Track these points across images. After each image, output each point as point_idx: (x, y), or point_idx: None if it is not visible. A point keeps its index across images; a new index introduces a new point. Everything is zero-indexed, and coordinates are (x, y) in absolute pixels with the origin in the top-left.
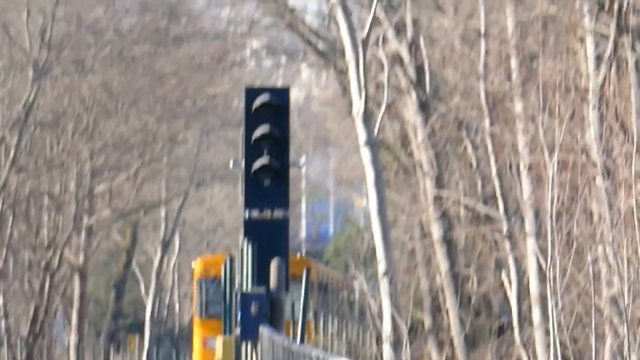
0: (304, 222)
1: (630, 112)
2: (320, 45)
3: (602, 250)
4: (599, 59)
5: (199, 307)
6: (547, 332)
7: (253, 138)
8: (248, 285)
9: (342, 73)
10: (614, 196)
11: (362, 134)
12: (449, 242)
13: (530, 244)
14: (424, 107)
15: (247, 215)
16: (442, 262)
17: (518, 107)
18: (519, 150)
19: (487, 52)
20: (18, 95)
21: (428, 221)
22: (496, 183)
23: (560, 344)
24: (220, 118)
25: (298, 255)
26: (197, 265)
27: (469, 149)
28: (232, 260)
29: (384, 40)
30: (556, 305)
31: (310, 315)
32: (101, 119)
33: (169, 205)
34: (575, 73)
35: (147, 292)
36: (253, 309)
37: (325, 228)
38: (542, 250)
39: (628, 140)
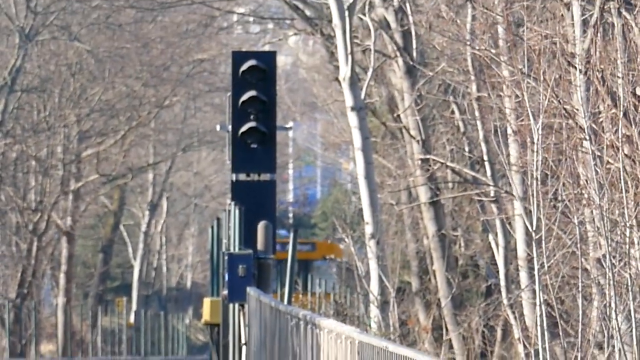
0: (291, 186)
1: (617, 77)
2: (307, 12)
3: (589, 213)
4: (585, 24)
5: None
6: (533, 294)
7: (240, 102)
8: (235, 248)
9: (329, 39)
10: (600, 160)
11: (348, 99)
12: (436, 205)
13: (517, 207)
14: (411, 72)
15: (234, 179)
16: (429, 225)
17: (505, 72)
18: (506, 115)
19: (473, 17)
20: (4, 61)
21: (415, 185)
22: (483, 147)
23: (547, 305)
24: (207, 83)
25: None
26: None
27: (456, 113)
28: (219, 222)
29: (371, 5)
30: (542, 266)
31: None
32: (88, 84)
33: (157, 169)
34: (562, 38)
35: (134, 255)
36: (240, 270)
37: (312, 192)
38: (529, 213)
39: (614, 105)
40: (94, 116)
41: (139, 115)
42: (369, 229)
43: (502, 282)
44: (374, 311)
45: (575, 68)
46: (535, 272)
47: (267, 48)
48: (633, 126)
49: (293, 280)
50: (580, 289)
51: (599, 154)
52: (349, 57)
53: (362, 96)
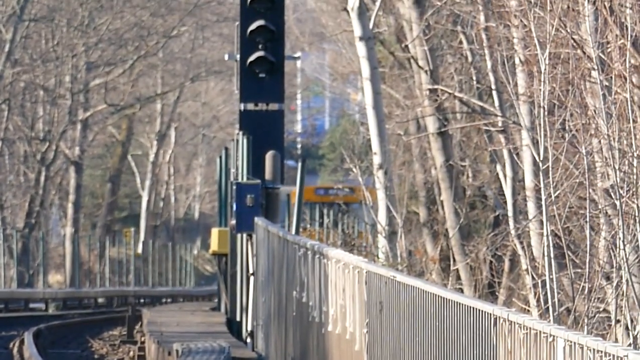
0: (299, 116)
1: (625, 7)
2: None
3: (597, 143)
4: None
5: None
6: (541, 224)
7: (248, 31)
8: (243, 177)
9: None
10: (609, 90)
11: (357, 29)
12: (444, 135)
13: (525, 137)
14: (419, 2)
15: (242, 108)
16: (437, 156)
17: (513, 1)
18: (514, 45)
19: None
20: None
21: (423, 115)
22: (491, 77)
23: (555, 235)
24: (215, 13)
25: None
26: None
27: (464, 43)
28: (227, 152)
29: None
30: (550, 197)
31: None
32: (96, 14)
33: (165, 99)
34: None
35: (142, 185)
36: (248, 200)
37: (320, 122)
38: (537, 143)
39: (623, 35)
40: (102, 46)
41: (147, 45)
42: (377, 160)
43: (510, 213)
44: (382, 242)
45: None
46: (543, 203)
47: None
48: None
49: (301, 211)
50: (587, 219)
51: (607, 84)
52: None
53: (371, 26)
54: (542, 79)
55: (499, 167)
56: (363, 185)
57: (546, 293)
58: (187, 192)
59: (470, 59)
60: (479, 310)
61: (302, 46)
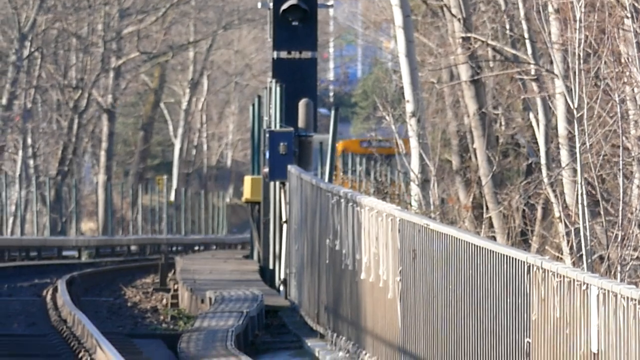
0: (332, 64)
1: None
2: None
3: (630, 91)
4: None
5: None
6: (574, 172)
7: None
8: (276, 125)
9: None
10: None
11: None
12: (477, 83)
13: (558, 85)
14: None
15: (275, 56)
16: (470, 104)
17: None
18: None
19: None
20: None
21: (456, 63)
22: (524, 25)
23: (588, 183)
24: None
25: None
26: None
27: None
28: (260, 100)
29: None
30: (583, 144)
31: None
32: None
33: (197, 47)
34: None
35: (175, 133)
36: (281, 147)
37: (353, 70)
38: (570, 91)
39: None
40: None
41: None
42: (409, 107)
43: (543, 161)
44: (415, 189)
45: None
46: (577, 150)
47: None
48: None
49: (334, 159)
50: (621, 167)
51: None
52: None
53: None
54: (577, 27)
55: (531, 115)
56: (396, 133)
57: (579, 241)
58: (220, 140)
59: (503, 6)
60: (512, 258)
61: None
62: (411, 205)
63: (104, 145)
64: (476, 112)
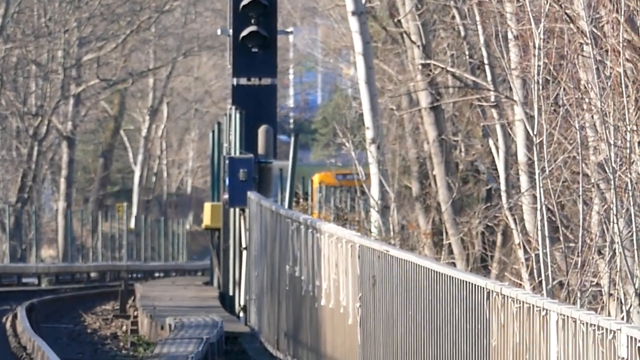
0: (292, 91)
1: None
2: None
3: (590, 117)
4: None
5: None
6: (534, 198)
7: (241, 6)
8: (236, 152)
9: None
10: (602, 64)
11: (349, 3)
12: (436, 110)
13: (518, 112)
14: None
15: (235, 83)
16: (429, 130)
17: None
18: (507, 19)
19: None
20: None
21: (416, 89)
22: (484, 52)
23: (548, 209)
24: None
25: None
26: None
27: (457, 18)
28: (220, 127)
29: None
30: (543, 171)
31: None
32: None
33: (157, 74)
34: None
35: (135, 160)
36: (241, 174)
37: (313, 97)
38: (530, 118)
39: (616, 10)
40: (94, 21)
41: (139, 20)
42: (369, 134)
43: (503, 187)
44: (375, 216)
45: None
46: (536, 177)
47: None
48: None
49: (294, 185)
50: (580, 193)
51: (600, 58)
52: None
53: (363, 0)
54: (537, 54)
55: (491, 142)
56: (356, 160)
57: (539, 267)
58: (180, 166)
59: (462, 33)
60: (472, 284)
61: (295, 21)
62: (371, 232)
63: (64, 172)
64: (436, 139)
